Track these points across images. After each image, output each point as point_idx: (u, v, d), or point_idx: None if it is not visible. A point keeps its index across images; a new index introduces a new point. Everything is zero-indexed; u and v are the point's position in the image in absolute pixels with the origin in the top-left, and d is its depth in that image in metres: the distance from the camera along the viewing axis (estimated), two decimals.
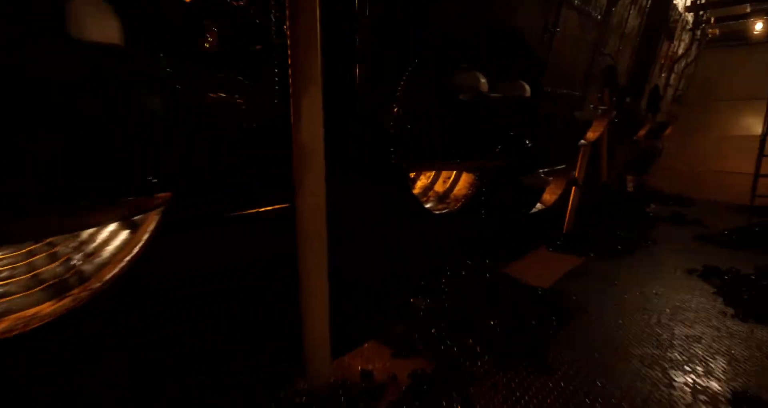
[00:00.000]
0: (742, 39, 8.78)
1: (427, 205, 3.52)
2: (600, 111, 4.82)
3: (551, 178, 4.24)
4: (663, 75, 7.22)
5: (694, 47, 8.24)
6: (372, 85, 2.14)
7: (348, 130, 2.23)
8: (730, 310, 3.62)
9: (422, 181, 3.98)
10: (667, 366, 2.75)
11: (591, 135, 5.40)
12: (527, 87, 3.14)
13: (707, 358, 2.87)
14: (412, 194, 2.98)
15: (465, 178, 3.77)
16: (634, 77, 6.19)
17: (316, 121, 1.95)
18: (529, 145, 3.66)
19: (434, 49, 2.50)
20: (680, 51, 7.60)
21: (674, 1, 6.17)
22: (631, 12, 4.75)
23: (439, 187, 3.88)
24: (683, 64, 8.27)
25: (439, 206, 3.61)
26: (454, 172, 3.72)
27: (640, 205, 7.92)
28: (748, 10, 7.29)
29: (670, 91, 8.36)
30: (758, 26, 7.85)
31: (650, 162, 8.87)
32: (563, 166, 4.25)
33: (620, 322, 3.40)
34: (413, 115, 2.36)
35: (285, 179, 2.00)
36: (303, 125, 1.94)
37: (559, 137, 4.25)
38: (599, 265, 4.77)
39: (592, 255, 5.10)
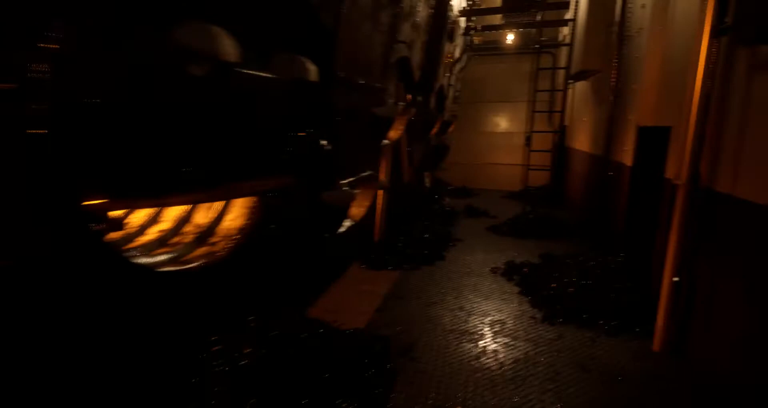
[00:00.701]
0: (498, 48, 10.17)
1: (171, 255, 2.16)
2: (400, 108, 4.33)
3: (357, 189, 3.46)
4: (446, 75, 7.52)
5: (465, 52, 9.03)
6: None
7: None
8: (538, 313, 3.55)
9: (177, 210, 2.57)
10: None
11: (393, 134, 4.92)
12: (312, 67, 2.14)
13: (543, 389, 2.51)
14: (109, 253, 1.59)
15: (241, 203, 2.55)
16: (424, 74, 6.07)
17: None
18: (327, 149, 2.71)
19: None
20: (457, 54, 8.11)
21: (451, 2, 6.30)
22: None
23: (201, 217, 2.55)
24: (459, 67, 8.98)
25: (199, 250, 2.30)
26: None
27: (439, 202, 8.24)
28: (502, 21, 8.29)
29: (451, 92, 8.96)
30: (510, 37, 9.12)
31: (441, 158, 9.45)
32: (369, 172, 3.53)
33: (451, 361, 2.83)
34: (78, 105, 1.03)
35: None
36: None
37: (362, 138, 3.47)
38: (415, 280, 4.31)
39: (407, 266, 4.65)
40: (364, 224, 5.20)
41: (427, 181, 9.21)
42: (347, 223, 3.68)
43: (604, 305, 3.44)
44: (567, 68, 6.34)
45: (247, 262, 2.57)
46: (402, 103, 4.49)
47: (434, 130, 7.76)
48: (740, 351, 2.30)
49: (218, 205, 2.58)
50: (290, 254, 2.93)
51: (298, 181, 2.44)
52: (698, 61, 2.57)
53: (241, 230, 2.47)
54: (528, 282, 4.15)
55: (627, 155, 4.33)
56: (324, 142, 2.72)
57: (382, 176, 5.59)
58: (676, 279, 2.75)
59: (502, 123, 10.82)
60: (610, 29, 5.06)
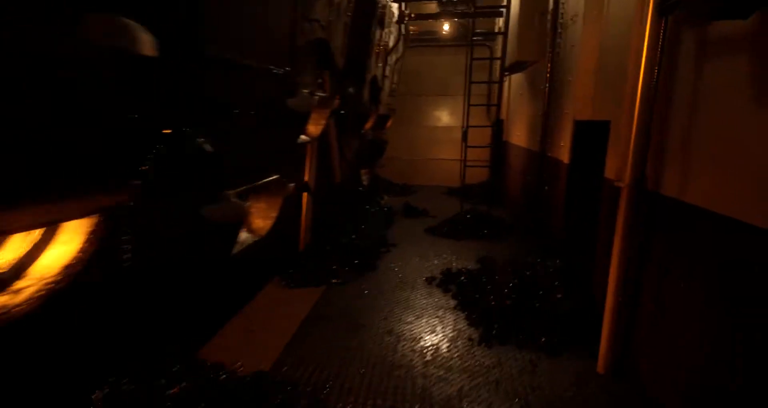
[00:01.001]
0: (434, 40, 9.83)
1: None
2: (317, 99, 3.72)
3: (253, 200, 2.83)
4: (380, 65, 7.00)
5: (401, 42, 8.56)
6: None
7: None
8: (475, 332, 3.15)
9: None
10: None
11: (313, 129, 4.30)
12: (144, 36, 1.49)
13: None
14: None
15: (73, 228, 1.85)
16: (352, 63, 5.50)
17: None
18: (203, 151, 2.09)
19: None
20: (391, 43, 7.61)
21: None
22: None
23: (11, 249, 1.80)
24: (394, 58, 8.50)
25: None
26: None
27: (377, 201, 7.75)
28: (436, 9, 7.89)
29: (387, 84, 8.47)
30: (446, 27, 8.77)
31: (378, 154, 8.94)
32: (274, 176, 2.91)
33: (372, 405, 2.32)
34: None
35: None
36: None
37: (264, 135, 2.83)
38: (341, 298, 3.76)
39: (333, 281, 4.09)
40: (286, 233, 4.56)
41: (365, 179, 8.69)
42: (248, 238, 3.04)
43: (544, 319, 3.11)
44: (502, 59, 6.06)
45: (85, 309, 1.88)
46: (321, 94, 3.89)
47: (369, 125, 7.22)
48: (693, 366, 2.00)
49: (38, 231, 1.85)
50: (161, 287, 2.26)
51: (156, 193, 1.79)
52: (640, 44, 2.23)
53: (69, 268, 1.77)
54: (465, 294, 3.76)
55: (564, 151, 4.06)
56: (201, 142, 2.08)
57: (306, 176, 4.98)
58: (620, 299, 2.43)
59: (442, 117, 10.54)
60: (544, 17, 4.79)
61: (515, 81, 6.95)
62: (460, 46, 9.69)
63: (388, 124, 9.71)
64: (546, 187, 4.55)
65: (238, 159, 2.49)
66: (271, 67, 2.82)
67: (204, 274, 2.65)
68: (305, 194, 4.93)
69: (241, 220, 2.47)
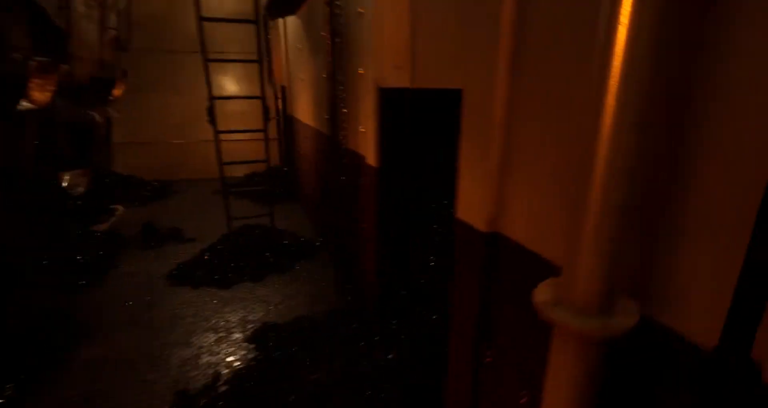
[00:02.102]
0: None
1: None
2: None
3: None
4: None
5: None
6: None
7: None
8: None
9: None
10: None
11: None
12: None
13: None
14: None
15: None
16: None
17: None
18: None
19: None
20: None
21: None
22: None
23: None
24: None
25: None
26: None
27: (99, 220, 4.78)
28: None
29: (93, 27, 5.25)
30: None
31: (92, 142, 5.69)
32: None
33: None
34: None
35: None
36: None
37: None
38: None
39: None
40: None
41: (81, 185, 5.42)
42: None
43: None
44: None
45: None
46: None
47: (42, 95, 4.06)
48: None
49: None
50: None
51: None
52: None
53: None
54: None
55: (367, 144, 2.32)
56: None
57: None
58: None
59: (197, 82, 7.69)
60: None
61: (293, 28, 4.91)
62: None
63: (116, 92, 6.41)
64: (345, 210, 2.80)
65: None
66: None
67: None
68: None
69: None
